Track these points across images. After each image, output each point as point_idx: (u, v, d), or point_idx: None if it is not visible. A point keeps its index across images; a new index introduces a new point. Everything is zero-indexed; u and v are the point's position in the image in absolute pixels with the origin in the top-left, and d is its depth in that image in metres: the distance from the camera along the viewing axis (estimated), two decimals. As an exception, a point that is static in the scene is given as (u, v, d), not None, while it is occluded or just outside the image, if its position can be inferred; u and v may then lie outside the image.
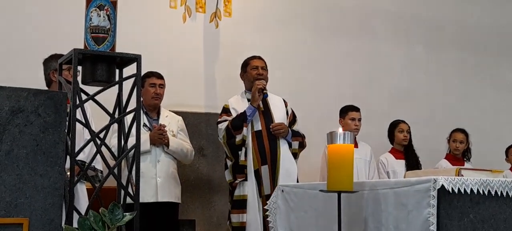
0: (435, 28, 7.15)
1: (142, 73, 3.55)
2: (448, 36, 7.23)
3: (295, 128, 5.07)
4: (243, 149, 4.82)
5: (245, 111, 4.87)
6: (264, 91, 4.90)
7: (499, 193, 2.76)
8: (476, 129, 6.53)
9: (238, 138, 4.81)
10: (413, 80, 6.98)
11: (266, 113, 4.95)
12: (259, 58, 5.12)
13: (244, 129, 4.82)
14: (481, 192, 2.73)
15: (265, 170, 4.80)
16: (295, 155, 5.01)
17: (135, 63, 3.06)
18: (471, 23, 7.33)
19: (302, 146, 5.08)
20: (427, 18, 7.12)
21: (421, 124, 6.60)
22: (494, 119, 7.24)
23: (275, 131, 4.90)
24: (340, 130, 2.92)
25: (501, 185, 2.77)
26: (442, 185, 2.63)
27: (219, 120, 5.00)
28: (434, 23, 7.15)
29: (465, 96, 7.21)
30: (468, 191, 2.69)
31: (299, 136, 5.06)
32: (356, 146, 5.40)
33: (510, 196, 2.79)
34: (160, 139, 4.90)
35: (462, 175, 3.06)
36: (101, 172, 4.55)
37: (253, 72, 5.02)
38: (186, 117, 5.48)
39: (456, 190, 2.66)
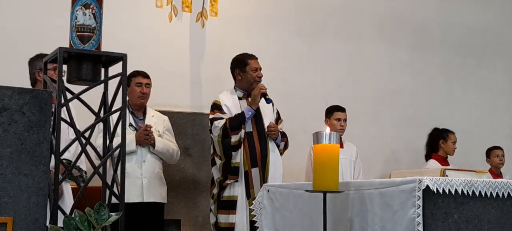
0: (420, 29, 7.19)
1: (128, 73, 3.54)
2: (432, 37, 7.27)
3: (279, 126, 5.06)
4: (238, 151, 4.79)
5: (243, 113, 4.83)
6: (267, 97, 4.84)
7: (483, 194, 2.78)
8: (460, 130, 6.57)
9: (234, 139, 4.76)
10: (398, 81, 7.01)
11: (257, 116, 4.92)
12: (257, 58, 5.08)
13: (242, 131, 4.78)
14: (465, 192, 2.74)
15: (256, 172, 4.79)
16: (280, 155, 5.02)
17: (121, 62, 3.04)
18: (455, 24, 7.38)
19: (286, 146, 5.09)
20: (412, 20, 7.15)
21: (406, 124, 6.63)
22: (477, 119, 7.30)
23: (271, 132, 4.89)
24: (327, 130, 2.92)
25: (486, 186, 2.79)
26: (427, 185, 2.64)
27: (213, 116, 4.90)
28: (419, 25, 7.19)
29: (450, 97, 7.25)
30: (453, 192, 2.71)
31: (284, 137, 5.06)
32: (341, 146, 5.41)
33: (494, 196, 2.81)
34: (146, 139, 4.88)
35: (446, 176, 3.08)
36: (85, 172, 4.53)
37: (253, 74, 4.96)
38: (172, 116, 5.46)
39: (441, 190, 2.67)
